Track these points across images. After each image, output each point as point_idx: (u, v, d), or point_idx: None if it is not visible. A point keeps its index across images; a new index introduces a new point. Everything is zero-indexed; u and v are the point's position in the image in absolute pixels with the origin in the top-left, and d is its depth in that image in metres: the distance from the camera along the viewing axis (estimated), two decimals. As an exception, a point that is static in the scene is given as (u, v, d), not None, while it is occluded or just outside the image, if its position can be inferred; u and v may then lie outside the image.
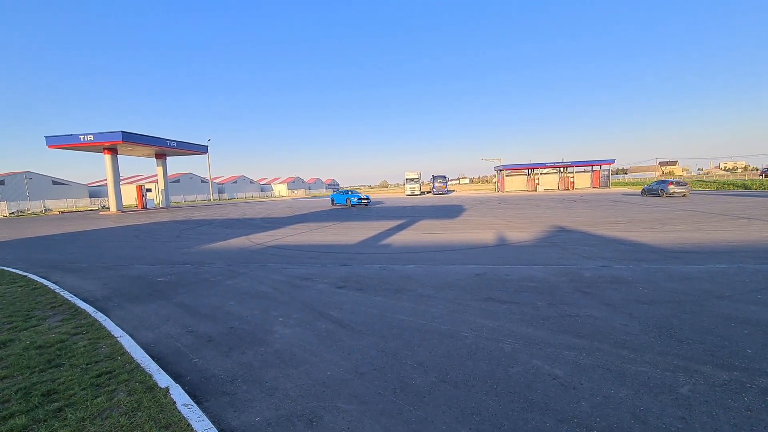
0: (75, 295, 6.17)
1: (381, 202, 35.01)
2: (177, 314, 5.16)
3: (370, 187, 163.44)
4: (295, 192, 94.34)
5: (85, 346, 3.94)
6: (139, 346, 3.95)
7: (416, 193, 52.89)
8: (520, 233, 11.78)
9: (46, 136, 31.82)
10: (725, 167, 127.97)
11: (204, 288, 6.50)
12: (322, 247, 10.51)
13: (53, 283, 7.13)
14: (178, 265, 8.73)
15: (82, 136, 31.17)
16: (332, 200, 33.34)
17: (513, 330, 4.09)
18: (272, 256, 9.37)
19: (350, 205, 30.29)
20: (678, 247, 8.48)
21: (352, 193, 32.28)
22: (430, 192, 57.20)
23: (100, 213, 35.02)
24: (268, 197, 78.19)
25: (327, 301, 5.42)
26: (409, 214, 20.19)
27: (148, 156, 42.11)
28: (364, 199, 30.85)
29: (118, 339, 4.10)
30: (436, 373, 3.22)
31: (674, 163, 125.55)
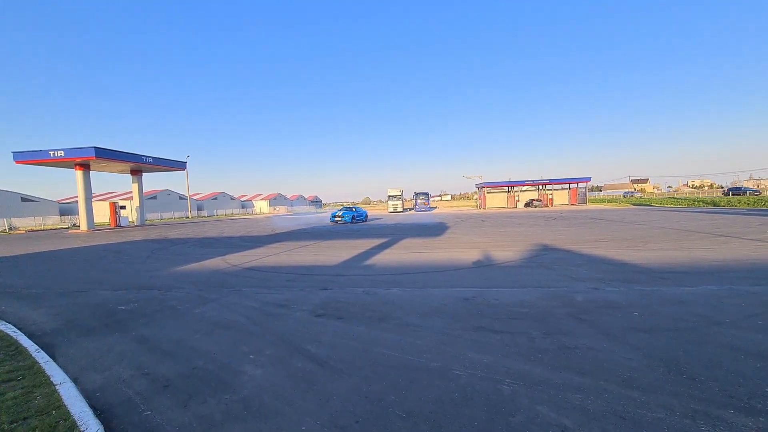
0: (19, 329, 5.48)
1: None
2: (134, 351, 4.58)
3: (353, 203, 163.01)
4: (277, 209, 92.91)
5: (15, 398, 3.34)
6: (80, 396, 3.38)
7: (399, 210, 52.75)
8: (505, 252, 11.56)
9: (13, 152, 30.29)
10: (693, 185, 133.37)
11: (168, 318, 5.90)
12: (301, 269, 9.98)
13: (-3, 314, 6.38)
14: (144, 290, 8.06)
15: (52, 152, 29.78)
16: (347, 218, 31.23)
17: (510, 366, 3.71)
18: (248, 279, 8.80)
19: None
20: (664, 267, 8.37)
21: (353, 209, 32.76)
22: (412, 209, 57.21)
23: (70, 231, 33.32)
24: (249, 214, 76.69)
25: (304, 333, 4.93)
26: (392, 232, 19.83)
27: (123, 172, 40.68)
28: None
29: (57, 387, 3.51)
30: (428, 427, 2.80)
31: (645, 181, 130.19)
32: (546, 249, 11.92)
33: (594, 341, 4.27)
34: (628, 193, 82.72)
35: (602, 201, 63.65)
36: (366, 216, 33.54)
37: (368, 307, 6.05)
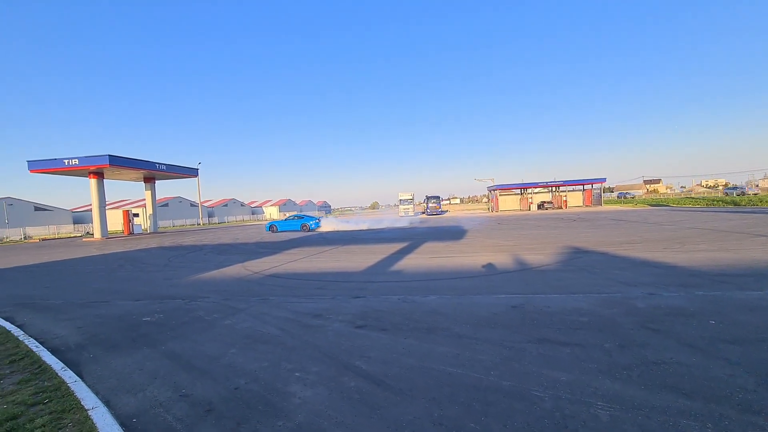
0: (41, 344, 5.16)
1: (377, 224, 34.15)
2: (166, 368, 4.21)
3: (362, 208, 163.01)
4: (287, 214, 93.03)
5: (43, 426, 2.98)
6: (116, 424, 3.00)
7: (410, 213, 52.24)
8: (536, 255, 11.05)
9: (28, 161, 30.63)
10: (707, 185, 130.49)
11: (198, 330, 5.54)
12: (326, 275, 9.60)
13: (17, 327, 6.09)
14: (167, 300, 7.73)
15: (66, 161, 30.02)
16: (272, 227, 28.71)
17: (595, 386, 3.26)
18: (273, 287, 8.44)
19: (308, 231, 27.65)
20: (717, 270, 7.81)
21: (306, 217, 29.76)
22: (423, 213, 56.69)
23: (84, 240, 33.49)
24: (260, 220, 76.77)
25: (349, 347, 4.53)
26: (409, 236, 19.41)
27: (136, 180, 40.90)
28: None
29: (90, 413, 3.14)
30: (529, 464, 2.37)
31: (658, 181, 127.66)
32: (578, 251, 11.39)
33: (680, 355, 3.79)
34: (731, 189, 65.03)
35: (617, 202, 62.51)
36: (302, 225, 28.34)
37: (410, 316, 5.62)
